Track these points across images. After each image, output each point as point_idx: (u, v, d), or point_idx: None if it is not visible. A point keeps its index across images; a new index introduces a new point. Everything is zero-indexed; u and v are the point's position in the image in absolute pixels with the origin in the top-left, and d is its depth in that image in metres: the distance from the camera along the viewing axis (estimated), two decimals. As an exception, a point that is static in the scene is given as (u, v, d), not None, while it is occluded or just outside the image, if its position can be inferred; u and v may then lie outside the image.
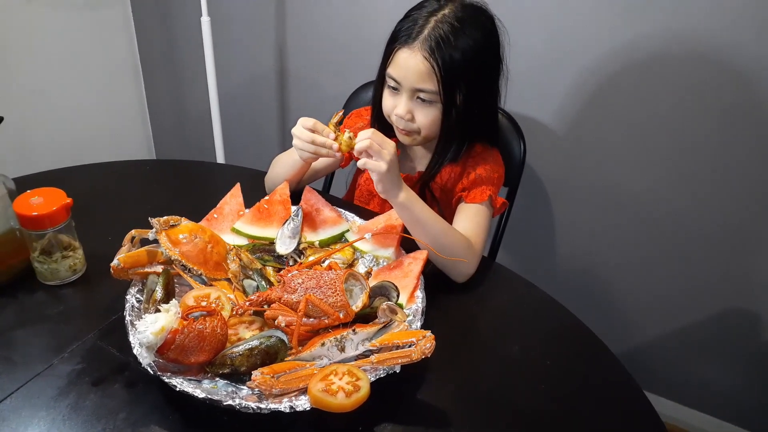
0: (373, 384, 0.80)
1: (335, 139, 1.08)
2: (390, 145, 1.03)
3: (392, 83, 1.16)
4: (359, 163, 1.03)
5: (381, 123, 1.26)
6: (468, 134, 1.21)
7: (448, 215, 1.24)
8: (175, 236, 0.98)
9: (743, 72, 1.39)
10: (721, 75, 1.41)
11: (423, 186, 1.26)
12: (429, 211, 1.10)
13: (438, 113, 1.15)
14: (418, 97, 1.14)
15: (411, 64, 1.10)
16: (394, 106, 1.17)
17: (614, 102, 1.57)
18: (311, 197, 1.21)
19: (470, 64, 1.10)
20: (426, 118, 1.16)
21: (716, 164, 1.51)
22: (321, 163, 1.36)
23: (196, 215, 1.12)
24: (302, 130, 1.10)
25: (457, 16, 1.10)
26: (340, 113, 1.11)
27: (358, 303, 0.90)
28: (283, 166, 1.28)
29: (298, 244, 1.12)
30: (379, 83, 1.22)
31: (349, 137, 1.06)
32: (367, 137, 1.01)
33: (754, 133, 1.43)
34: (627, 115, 1.57)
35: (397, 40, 1.13)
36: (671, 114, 1.51)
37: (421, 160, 1.31)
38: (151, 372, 0.79)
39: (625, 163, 1.63)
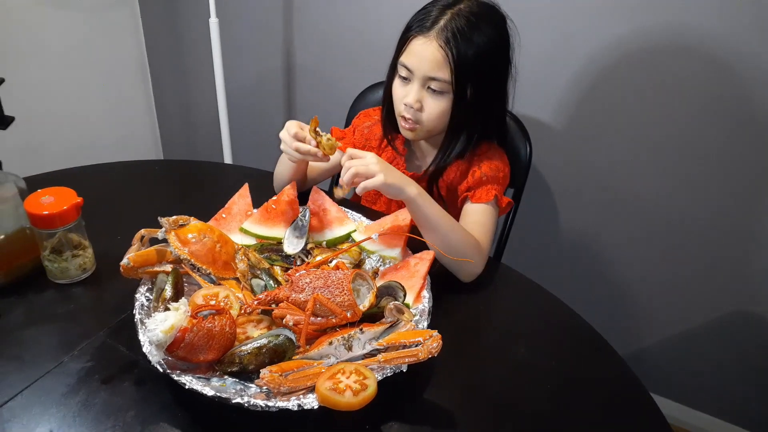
0: (380, 383, 0.80)
1: (317, 146, 1.09)
2: (369, 155, 1.04)
3: (404, 72, 1.17)
4: (358, 190, 1.04)
5: (390, 119, 1.27)
6: (475, 130, 1.22)
7: (453, 215, 1.24)
8: (184, 236, 0.99)
9: (751, 69, 1.38)
10: (744, 77, 1.41)
11: (431, 182, 1.27)
12: (439, 208, 1.10)
13: (447, 105, 1.16)
14: (429, 87, 1.15)
15: (426, 52, 1.11)
16: (405, 95, 1.18)
17: (620, 104, 1.57)
18: (318, 197, 1.22)
19: (483, 61, 1.12)
20: (435, 108, 1.16)
21: (723, 164, 1.51)
22: (329, 163, 1.37)
23: (205, 215, 1.13)
24: (287, 136, 1.11)
25: (473, 11, 1.12)
26: (316, 120, 1.11)
27: (365, 302, 0.91)
28: (284, 166, 1.29)
29: (306, 244, 1.12)
30: (390, 75, 1.23)
31: (328, 138, 1.08)
32: (347, 168, 1.02)
33: (761, 132, 1.43)
34: (633, 117, 1.57)
35: (412, 29, 1.14)
36: (679, 116, 1.51)
37: (428, 158, 1.32)
38: (161, 370, 0.80)
39: (631, 164, 1.63)
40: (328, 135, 1.09)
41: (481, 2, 1.15)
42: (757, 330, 1.64)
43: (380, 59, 1.27)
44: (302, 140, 1.11)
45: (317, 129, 1.09)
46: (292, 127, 1.11)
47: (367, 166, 1.02)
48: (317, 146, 1.09)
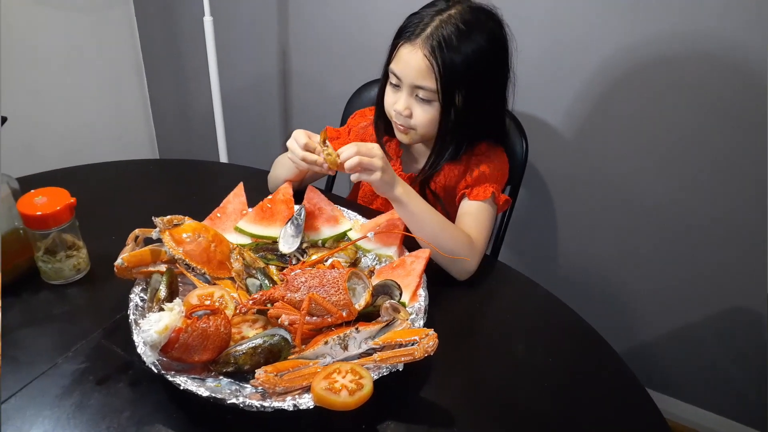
0: (376, 382, 0.80)
1: (325, 159, 1.08)
2: (376, 149, 1.03)
3: (394, 79, 1.16)
4: (353, 178, 1.04)
5: (383, 120, 1.26)
6: (467, 135, 1.21)
7: (452, 214, 1.24)
8: (178, 235, 0.99)
9: (749, 72, 1.38)
10: (726, 75, 1.41)
11: (422, 185, 1.26)
12: (426, 207, 1.10)
13: (436, 112, 1.15)
14: (417, 95, 1.14)
15: (411, 60, 1.10)
16: (395, 101, 1.18)
17: (617, 101, 1.57)
18: (314, 196, 1.22)
19: (472, 69, 1.10)
20: (424, 116, 1.16)
21: (721, 163, 1.51)
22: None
23: (200, 214, 1.12)
24: (295, 146, 1.09)
25: (463, 18, 1.09)
26: (326, 132, 1.10)
27: (360, 301, 0.91)
28: (283, 168, 1.28)
29: (301, 243, 1.12)
30: (383, 79, 1.22)
31: (328, 154, 1.06)
32: (353, 153, 1.01)
33: (759, 133, 1.43)
34: (630, 114, 1.57)
35: (401, 35, 1.13)
36: (677, 114, 1.51)
37: (423, 159, 1.31)
38: (155, 371, 0.80)
39: (628, 161, 1.63)
40: (329, 150, 1.07)
41: (474, 7, 1.12)
42: (756, 327, 1.64)
43: (376, 57, 1.26)
44: (311, 150, 1.08)
45: (326, 141, 1.08)
46: (301, 137, 1.09)
47: (371, 160, 1.02)
48: (325, 159, 1.08)
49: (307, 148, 1.08)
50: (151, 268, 0.96)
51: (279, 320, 0.88)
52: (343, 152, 1.03)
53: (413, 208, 1.08)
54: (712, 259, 1.62)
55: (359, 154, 1.01)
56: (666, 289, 1.73)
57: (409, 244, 1.13)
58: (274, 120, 2.29)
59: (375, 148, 1.03)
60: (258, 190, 1.25)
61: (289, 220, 1.15)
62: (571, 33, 1.56)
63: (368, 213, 1.24)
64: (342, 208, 1.22)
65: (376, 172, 1.02)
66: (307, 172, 1.29)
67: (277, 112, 2.27)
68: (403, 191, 1.07)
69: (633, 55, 1.50)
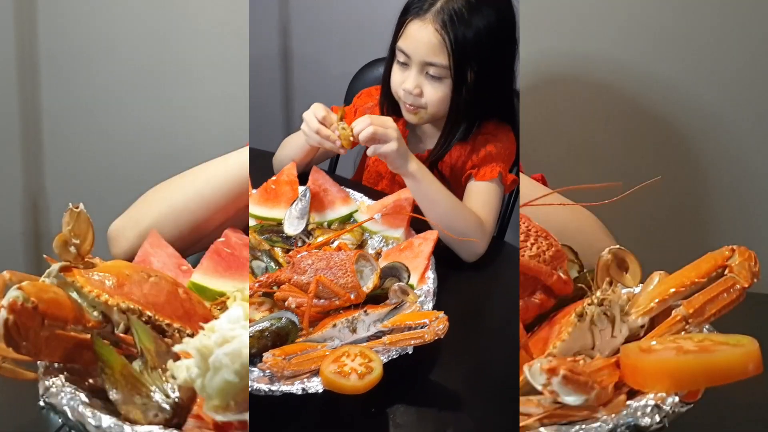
0: (385, 365, 0.78)
1: (339, 137, 1.06)
2: (390, 121, 1.02)
3: (402, 57, 1.14)
4: (369, 152, 1.02)
5: (389, 101, 1.24)
6: (478, 114, 1.19)
7: (458, 196, 1.22)
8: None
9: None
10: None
11: (431, 166, 1.24)
12: (439, 185, 1.08)
13: (447, 90, 1.13)
14: (428, 73, 1.12)
15: (422, 36, 1.08)
16: (403, 81, 1.15)
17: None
18: (319, 177, 1.20)
19: (483, 43, 1.09)
20: (435, 94, 1.14)
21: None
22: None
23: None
24: (312, 117, 1.07)
25: None
26: (343, 109, 1.08)
27: (368, 284, 0.89)
28: (291, 149, 1.27)
29: (307, 224, 1.10)
30: (389, 58, 1.20)
31: (343, 128, 1.05)
32: (368, 124, 0.99)
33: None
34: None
35: (409, 11, 1.11)
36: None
37: (430, 139, 1.29)
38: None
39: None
40: (344, 124, 1.05)
41: None
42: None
43: (378, 37, 1.24)
44: (327, 126, 1.06)
45: (342, 118, 1.06)
46: (319, 110, 1.07)
47: (386, 131, 1.00)
48: (339, 135, 1.05)
49: (323, 122, 1.06)
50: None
51: (286, 303, 0.87)
52: (357, 124, 1.01)
53: (427, 186, 1.07)
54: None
55: (373, 124, 0.99)
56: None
57: (417, 225, 1.11)
58: (276, 101, 2.26)
59: (388, 120, 1.02)
60: (261, 172, 1.23)
61: (294, 201, 1.13)
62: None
63: (374, 194, 1.23)
64: (348, 189, 1.20)
65: (391, 141, 1.00)
66: (316, 152, 1.27)
67: (279, 93, 2.24)
68: (418, 167, 1.05)
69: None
